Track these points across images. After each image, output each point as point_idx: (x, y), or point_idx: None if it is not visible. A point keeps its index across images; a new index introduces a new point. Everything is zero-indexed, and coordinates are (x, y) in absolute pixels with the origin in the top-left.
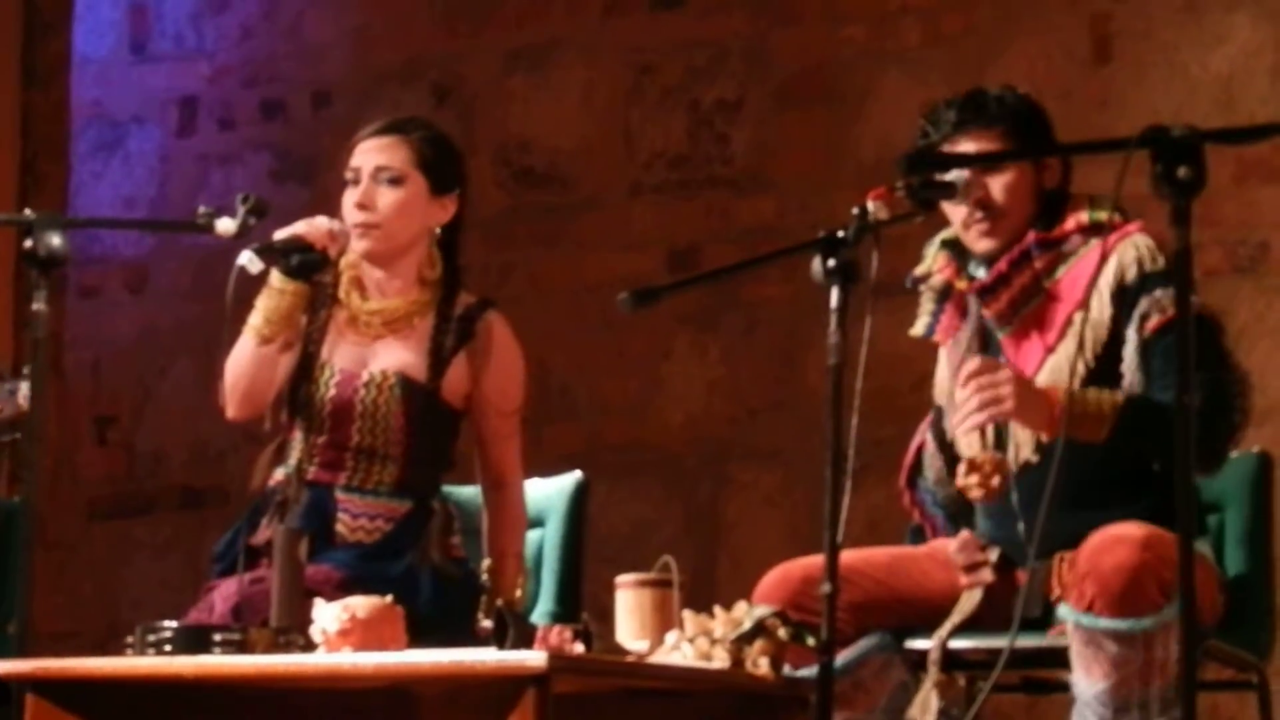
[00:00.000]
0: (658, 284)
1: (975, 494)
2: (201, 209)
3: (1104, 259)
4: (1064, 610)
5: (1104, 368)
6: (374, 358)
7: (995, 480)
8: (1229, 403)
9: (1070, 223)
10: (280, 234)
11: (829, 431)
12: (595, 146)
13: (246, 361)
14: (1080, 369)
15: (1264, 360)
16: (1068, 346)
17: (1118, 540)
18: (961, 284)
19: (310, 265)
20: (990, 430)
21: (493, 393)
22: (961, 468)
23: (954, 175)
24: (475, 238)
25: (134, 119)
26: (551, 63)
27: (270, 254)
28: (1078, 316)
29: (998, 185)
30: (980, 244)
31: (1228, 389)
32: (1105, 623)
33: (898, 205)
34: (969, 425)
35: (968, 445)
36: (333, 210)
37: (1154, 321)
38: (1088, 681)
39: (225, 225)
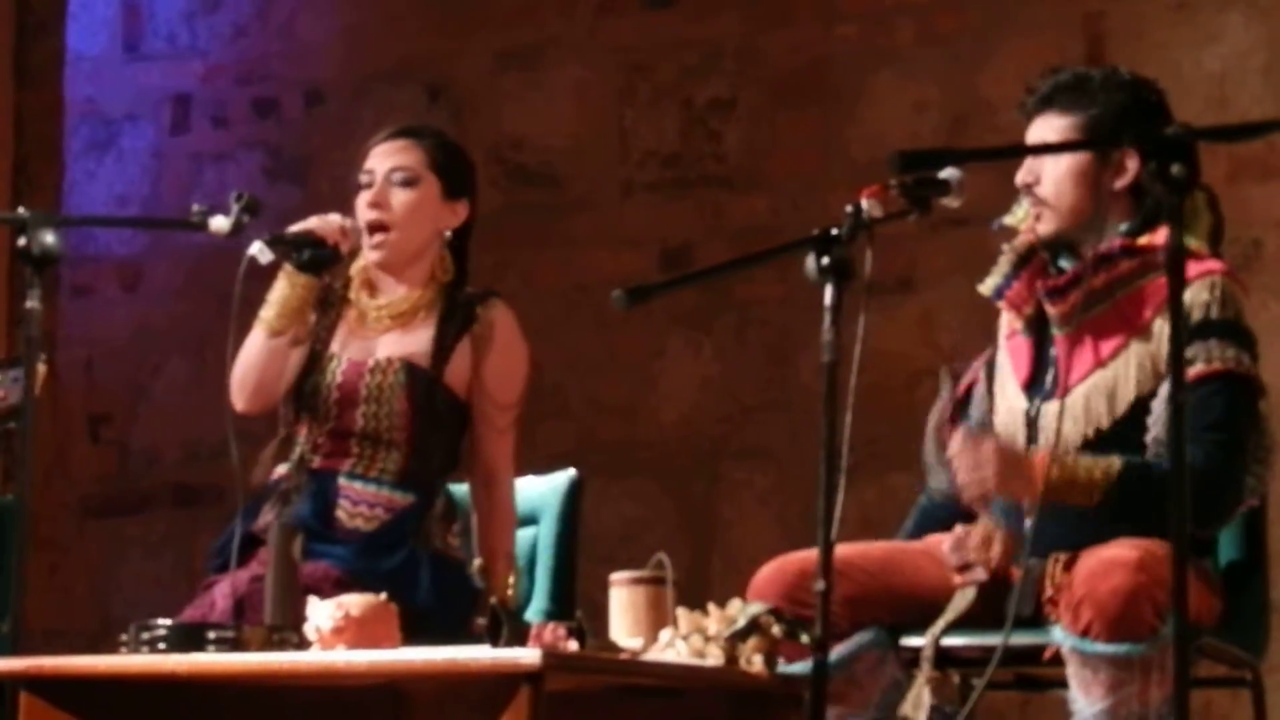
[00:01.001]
0: (651, 282)
1: (966, 576)
2: (195, 207)
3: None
4: (1059, 634)
5: (1145, 402)
6: (380, 348)
7: (992, 554)
8: (1243, 468)
9: (1161, 235)
10: (293, 228)
11: (823, 429)
12: (588, 145)
13: (257, 354)
14: (1100, 422)
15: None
16: (1117, 369)
17: (1113, 564)
18: (1044, 253)
19: (321, 260)
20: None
21: (491, 382)
22: (948, 543)
23: (947, 173)
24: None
25: (127, 117)
26: (544, 62)
27: (281, 245)
28: (1135, 343)
29: (1047, 175)
30: (1037, 226)
31: (1248, 454)
32: (1102, 648)
33: (892, 203)
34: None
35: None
36: (326, 208)
37: (1196, 370)
38: (1086, 701)
39: (219, 223)
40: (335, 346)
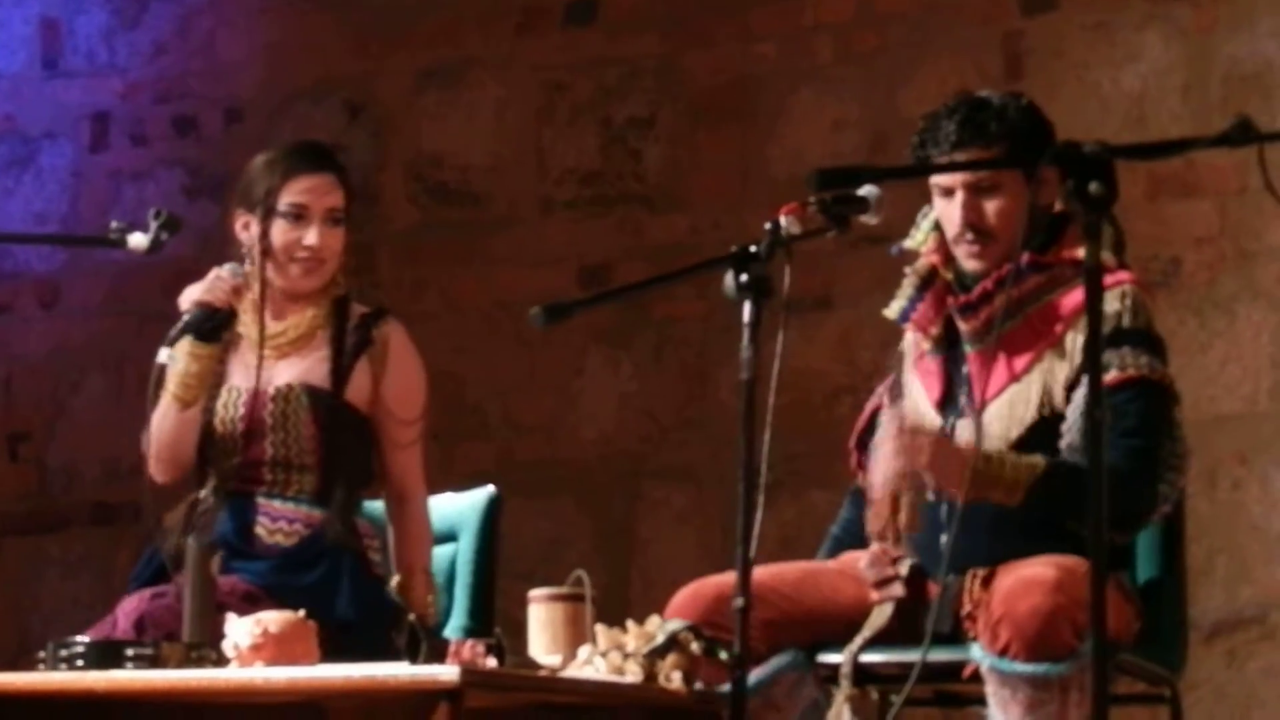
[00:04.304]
0: (569, 300)
1: (883, 593)
2: (114, 224)
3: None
4: (978, 653)
5: (1059, 412)
6: (278, 375)
7: (899, 520)
8: (1158, 474)
9: (1068, 251)
10: (184, 302)
11: (742, 447)
12: (508, 163)
13: (171, 429)
14: (1014, 433)
15: (1176, 376)
16: (1032, 382)
17: (1031, 584)
18: (947, 275)
19: (220, 326)
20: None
21: (392, 399)
22: (865, 559)
23: (866, 190)
24: (388, 254)
25: (46, 135)
26: (464, 80)
27: (185, 336)
28: (1048, 355)
29: (992, 209)
30: (969, 263)
31: (1162, 461)
32: (1021, 667)
33: (811, 221)
34: (883, 477)
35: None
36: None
37: (1110, 376)
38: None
39: (137, 241)
40: (230, 377)
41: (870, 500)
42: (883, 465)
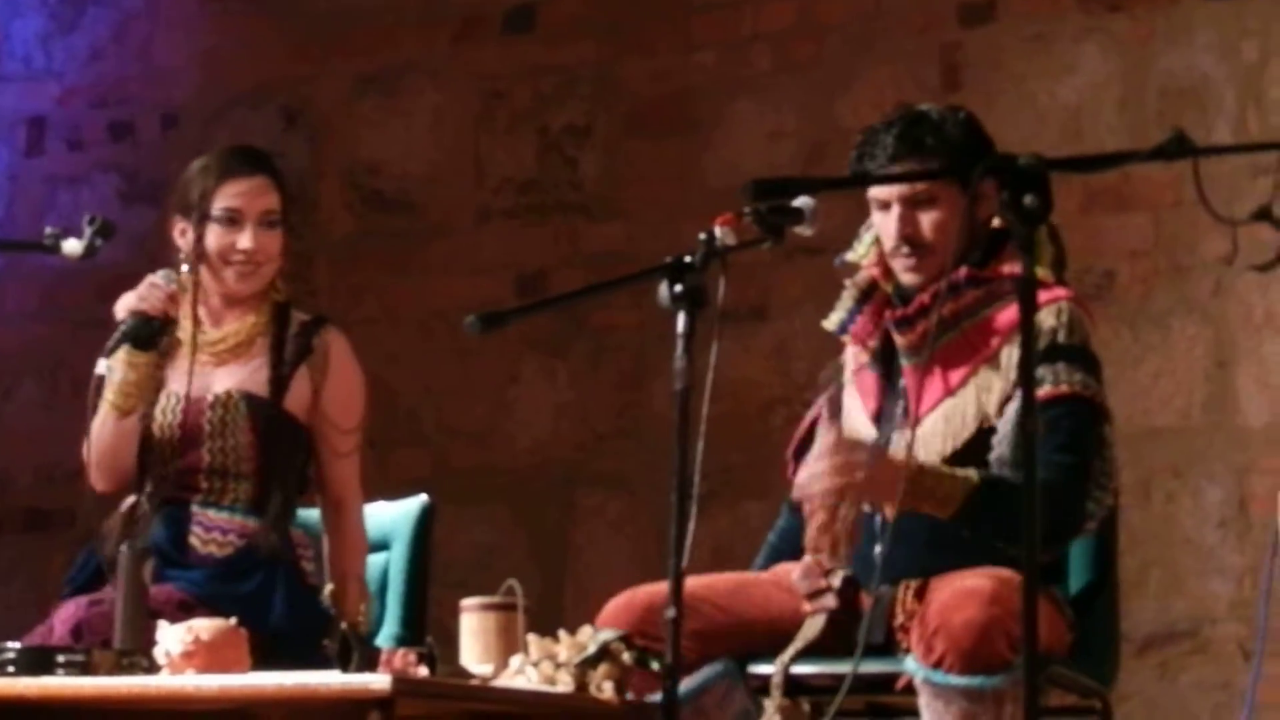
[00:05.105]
0: (505, 308)
1: (815, 604)
2: (49, 230)
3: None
4: (912, 665)
5: (993, 427)
6: (217, 382)
7: (830, 548)
8: (1086, 491)
9: (1006, 267)
10: (120, 311)
11: (675, 457)
12: (444, 171)
13: (110, 438)
14: (949, 447)
15: (1109, 388)
16: (967, 396)
17: (967, 596)
18: (887, 288)
19: (156, 334)
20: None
21: (332, 408)
22: (798, 571)
23: (801, 201)
24: (324, 261)
25: None
26: (401, 87)
27: (123, 347)
28: (983, 370)
29: (927, 222)
30: (905, 276)
31: (1092, 478)
32: (955, 680)
33: (746, 231)
34: (815, 497)
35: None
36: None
37: (1044, 391)
38: None
39: (72, 246)
40: (169, 382)
41: (807, 514)
42: (818, 481)
